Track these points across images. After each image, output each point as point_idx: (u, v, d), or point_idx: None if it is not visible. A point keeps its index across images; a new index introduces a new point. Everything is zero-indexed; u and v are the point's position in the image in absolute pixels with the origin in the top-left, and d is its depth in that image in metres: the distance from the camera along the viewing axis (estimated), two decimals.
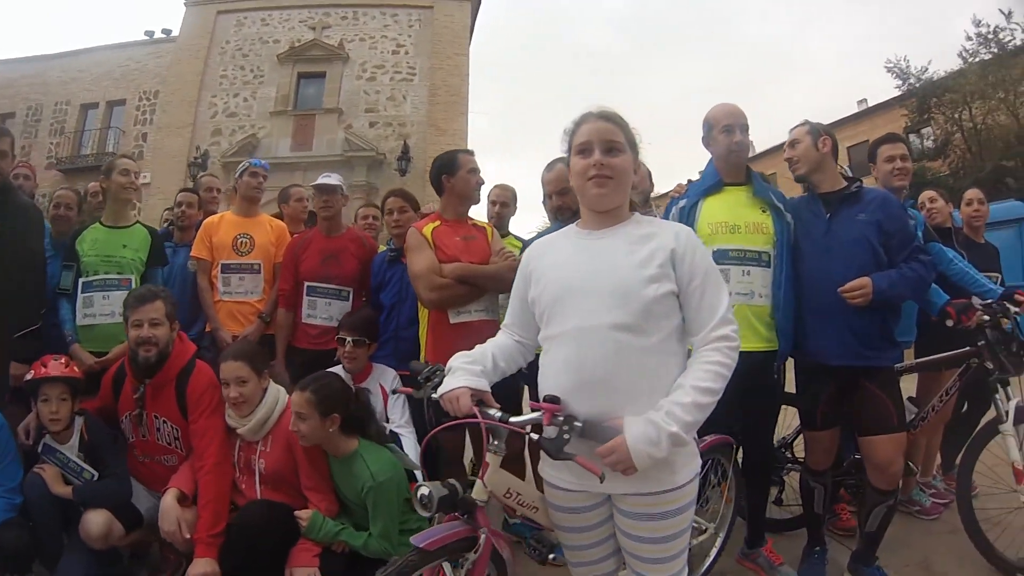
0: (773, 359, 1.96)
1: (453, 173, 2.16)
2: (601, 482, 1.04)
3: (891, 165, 2.40)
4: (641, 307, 1.09)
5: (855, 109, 23.49)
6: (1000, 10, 16.78)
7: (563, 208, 2.23)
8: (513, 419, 1.15)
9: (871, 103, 22.21)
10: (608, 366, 1.08)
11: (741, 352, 1.52)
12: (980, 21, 16.79)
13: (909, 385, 2.45)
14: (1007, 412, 1.96)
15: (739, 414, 1.94)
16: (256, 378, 1.92)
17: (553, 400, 1.11)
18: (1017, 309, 2.04)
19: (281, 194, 3.29)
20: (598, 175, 1.14)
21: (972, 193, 2.92)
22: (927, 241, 2.28)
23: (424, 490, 1.19)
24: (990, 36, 16.67)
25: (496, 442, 1.20)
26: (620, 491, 1.11)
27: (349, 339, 2.22)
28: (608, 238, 1.18)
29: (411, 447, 2.10)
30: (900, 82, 17.76)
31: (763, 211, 1.97)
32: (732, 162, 2.00)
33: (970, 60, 16.93)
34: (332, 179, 2.69)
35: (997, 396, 2.01)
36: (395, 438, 2.09)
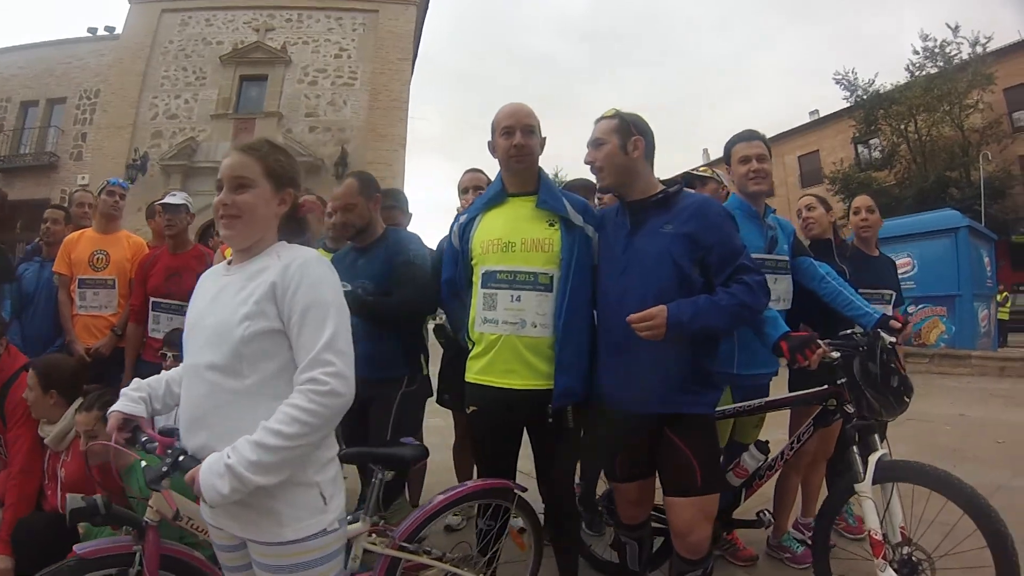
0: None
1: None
2: (174, 519, 1.13)
3: (746, 167, 2.00)
4: (231, 347, 1.04)
5: (807, 119, 24.00)
6: (947, 24, 17.31)
7: (347, 225, 2.09)
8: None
9: (823, 114, 22.72)
10: (204, 405, 1.07)
11: (517, 390, 1.60)
12: (927, 36, 17.29)
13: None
14: (864, 469, 1.61)
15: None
16: (40, 392, 1.97)
17: (168, 433, 1.17)
18: (892, 339, 1.72)
19: (147, 209, 3.32)
20: (224, 215, 1.10)
21: (860, 201, 2.59)
22: (797, 255, 2.07)
23: (73, 503, 1.29)
24: (936, 50, 17.18)
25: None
26: (240, 535, 1.08)
27: (170, 355, 2.31)
28: (234, 274, 1.14)
29: None
30: (848, 94, 18.21)
31: (550, 225, 1.66)
32: (513, 169, 1.71)
33: (916, 73, 17.43)
34: (177, 198, 2.78)
35: (854, 448, 1.65)
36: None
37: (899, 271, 10.64)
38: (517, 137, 1.67)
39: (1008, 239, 17.24)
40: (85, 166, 13.21)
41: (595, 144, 1.64)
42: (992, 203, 16.30)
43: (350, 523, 1.30)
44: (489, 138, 1.76)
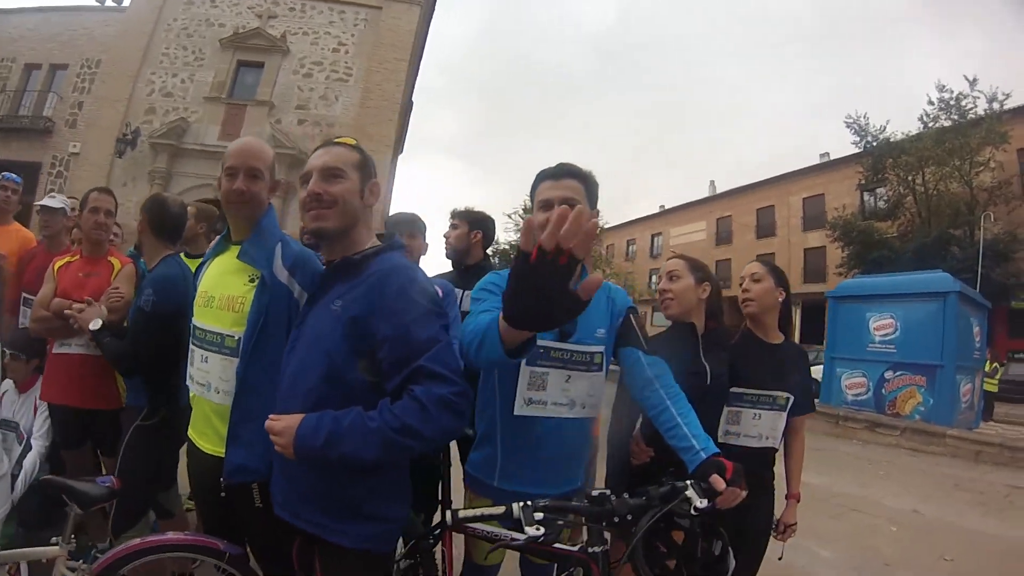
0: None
1: (82, 212, 2.25)
2: None
3: (546, 216, 1.28)
4: None
5: (817, 161, 23.65)
6: (965, 76, 16.94)
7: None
8: None
9: (833, 157, 22.38)
10: None
11: (206, 454, 1.40)
12: (944, 87, 16.93)
13: None
14: None
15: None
16: None
17: None
18: (702, 503, 1.16)
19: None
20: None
21: (748, 267, 1.94)
22: (623, 344, 1.46)
23: None
24: (952, 102, 16.81)
25: None
26: None
27: (8, 352, 2.38)
28: None
29: (32, 457, 2.24)
30: (858, 138, 17.87)
31: (250, 281, 1.44)
32: (232, 214, 1.52)
33: (930, 124, 17.06)
34: (56, 201, 2.82)
35: None
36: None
37: (880, 333, 9.69)
38: (239, 181, 1.45)
39: (1008, 304, 16.84)
40: (78, 134, 13.22)
41: (328, 175, 1.23)
42: (995, 266, 15.93)
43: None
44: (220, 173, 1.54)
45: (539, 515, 1.09)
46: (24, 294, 2.64)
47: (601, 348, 1.40)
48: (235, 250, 1.48)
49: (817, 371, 11.93)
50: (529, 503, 1.12)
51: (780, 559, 1.82)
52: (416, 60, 15.14)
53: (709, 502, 1.16)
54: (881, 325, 8.29)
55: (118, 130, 12.39)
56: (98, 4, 14.20)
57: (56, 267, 2.28)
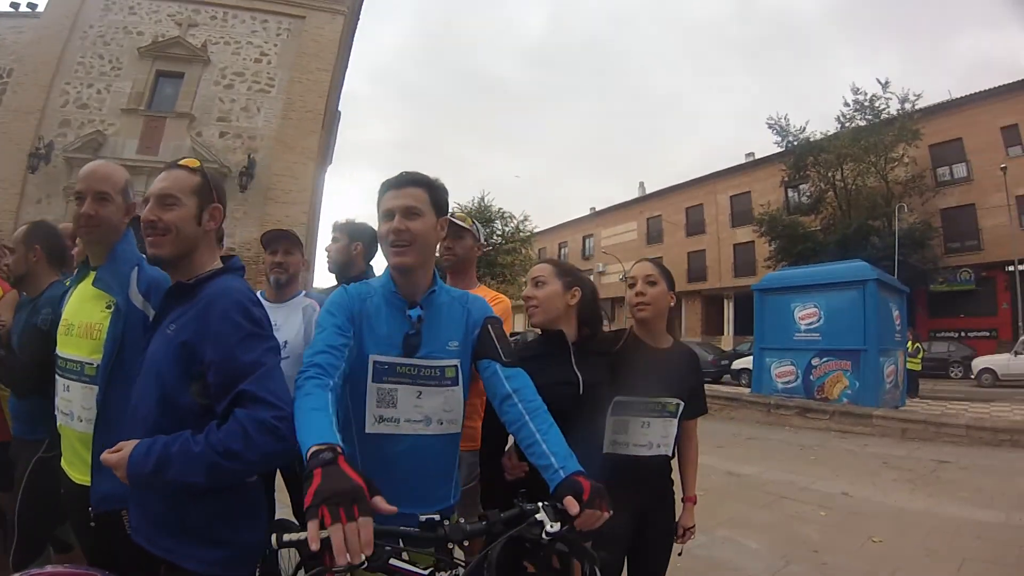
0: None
1: None
2: None
3: (386, 226, 1.31)
4: None
5: (743, 160, 24.70)
6: (877, 79, 18.04)
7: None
8: None
9: (758, 156, 23.41)
10: None
11: (76, 483, 1.40)
12: (859, 89, 17.96)
13: None
14: None
15: None
16: None
17: None
18: (550, 528, 1.06)
19: None
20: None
21: (636, 269, 1.79)
22: (480, 356, 1.35)
23: None
24: (866, 104, 17.87)
25: None
26: None
27: None
28: None
29: None
30: (780, 139, 18.83)
31: (106, 307, 1.44)
32: (85, 239, 1.52)
33: (846, 124, 18.11)
34: None
35: None
36: None
37: (805, 322, 9.58)
38: (86, 205, 1.45)
39: (926, 288, 18.14)
40: None
41: (161, 202, 1.22)
42: (912, 253, 17.06)
43: None
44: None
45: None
46: None
47: (455, 361, 1.31)
48: (91, 276, 1.49)
49: (748, 362, 12.52)
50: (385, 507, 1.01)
51: (680, 555, 1.80)
52: (341, 70, 14.98)
53: (563, 526, 1.06)
54: (806, 315, 8.61)
55: (31, 144, 11.94)
56: (11, 10, 13.63)
57: None
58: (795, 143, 18.46)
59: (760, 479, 4.96)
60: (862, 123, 18.08)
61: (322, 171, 15.50)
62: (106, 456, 1.08)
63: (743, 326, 20.34)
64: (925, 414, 7.53)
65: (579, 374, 1.57)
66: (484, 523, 1.07)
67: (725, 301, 24.87)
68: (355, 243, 2.38)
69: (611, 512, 1.10)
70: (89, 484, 1.37)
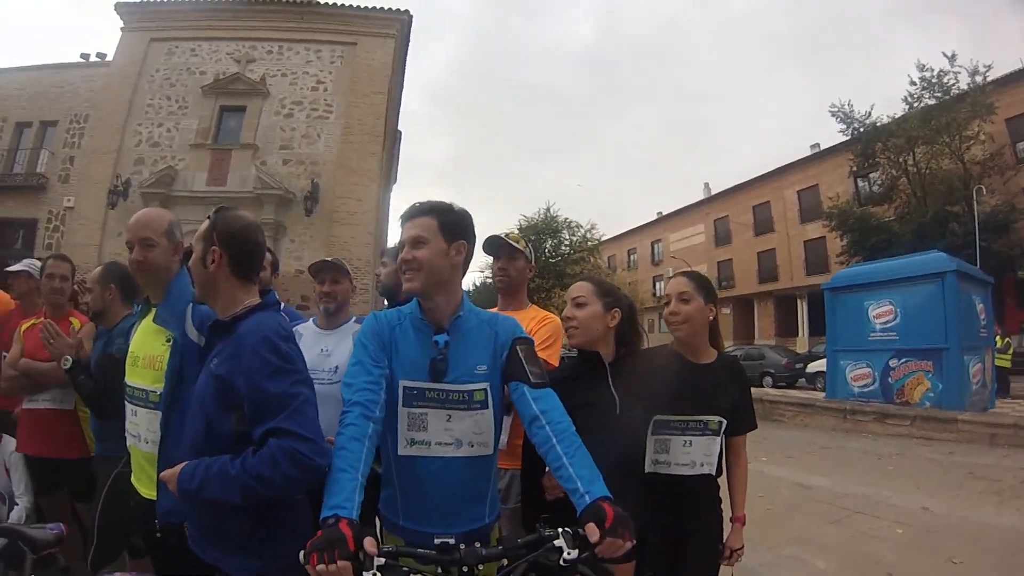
0: None
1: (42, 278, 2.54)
2: None
3: (400, 255, 1.41)
4: None
5: (808, 153, 23.58)
6: (943, 53, 16.84)
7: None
8: None
9: (824, 147, 22.30)
10: None
11: (144, 498, 1.60)
12: (924, 66, 16.83)
13: None
14: None
15: None
16: None
17: None
18: (568, 555, 1.07)
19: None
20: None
21: (671, 285, 1.75)
22: (511, 378, 1.35)
23: None
24: (934, 80, 16.71)
25: None
26: None
27: None
28: None
29: (17, 512, 2.39)
30: (845, 126, 17.79)
31: (166, 341, 1.60)
32: (141, 282, 1.72)
33: (914, 105, 16.97)
34: (20, 264, 2.97)
35: None
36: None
37: (880, 321, 9.49)
38: (135, 252, 1.66)
39: (1014, 275, 16.66)
40: (71, 188, 13.45)
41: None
42: (996, 238, 15.76)
43: None
44: None
45: (380, 560, 1.01)
46: (4, 352, 2.75)
47: (483, 385, 1.33)
48: (153, 313, 1.68)
49: (824, 364, 11.79)
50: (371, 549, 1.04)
51: None
52: (397, 91, 15.25)
53: (582, 553, 1.06)
54: (881, 313, 8.11)
55: (109, 182, 12.57)
56: (83, 60, 14.47)
57: (22, 329, 2.51)
58: (861, 130, 17.42)
59: (832, 492, 4.66)
60: (931, 102, 16.89)
61: (387, 191, 15.70)
62: (163, 474, 1.26)
63: (818, 326, 19.28)
64: (1016, 417, 6.86)
65: (616, 394, 1.56)
66: (500, 548, 1.11)
67: (798, 301, 23.85)
68: None
69: (634, 541, 1.08)
70: (155, 499, 1.53)
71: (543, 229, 22.34)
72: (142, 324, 1.75)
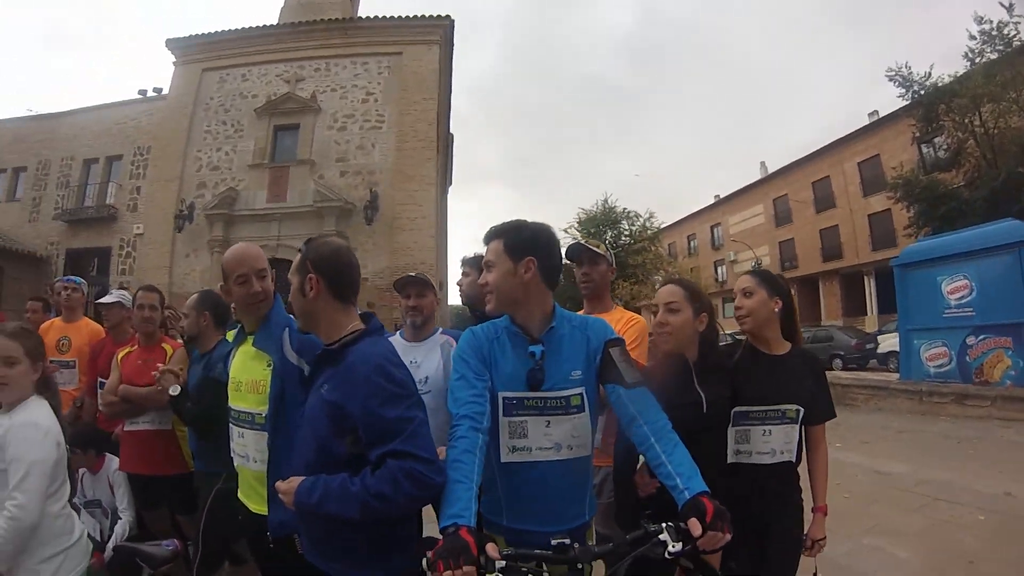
0: None
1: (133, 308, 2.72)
2: None
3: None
4: None
5: (867, 122, 22.50)
6: (1000, 3, 15.75)
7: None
8: None
9: (883, 114, 21.22)
10: None
11: (254, 513, 1.69)
12: (983, 18, 15.80)
13: None
14: None
15: None
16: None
17: None
18: (675, 547, 1.14)
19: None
20: None
21: (738, 282, 1.88)
22: (607, 380, 1.40)
23: None
24: (994, 33, 15.66)
25: None
26: None
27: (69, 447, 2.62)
28: None
29: (121, 526, 2.56)
30: (904, 90, 16.81)
31: (267, 366, 1.68)
32: (251, 313, 1.77)
33: (976, 60, 15.94)
34: (110, 296, 3.15)
35: None
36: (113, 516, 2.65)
37: (954, 296, 8.84)
38: (255, 284, 1.72)
39: None
40: (140, 216, 14.08)
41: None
42: None
43: None
44: (222, 281, 1.79)
45: (501, 563, 1.08)
46: (100, 379, 2.93)
47: (579, 390, 1.39)
48: (252, 340, 1.76)
49: (896, 343, 11.12)
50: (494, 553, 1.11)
51: (815, 574, 1.74)
52: (446, 95, 15.37)
53: (685, 546, 1.14)
54: (955, 288, 7.72)
55: (175, 207, 13.07)
56: (141, 96, 15.14)
57: (119, 357, 2.68)
58: (921, 92, 16.43)
59: (911, 478, 4.53)
60: (993, 56, 15.81)
61: (443, 194, 15.78)
62: (279, 484, 1.31)
63: (887, 304, 18.35)
64: None
65: (702, 393, 1.63)
66: (611, 544, 1.20)
67: (865, 278, 22.83)
68: None
69: (732, 534, 1.14)
70: (264, 514, 1.62)
71: (602, 221, 22.02)
72: (240, 350, 1.83)
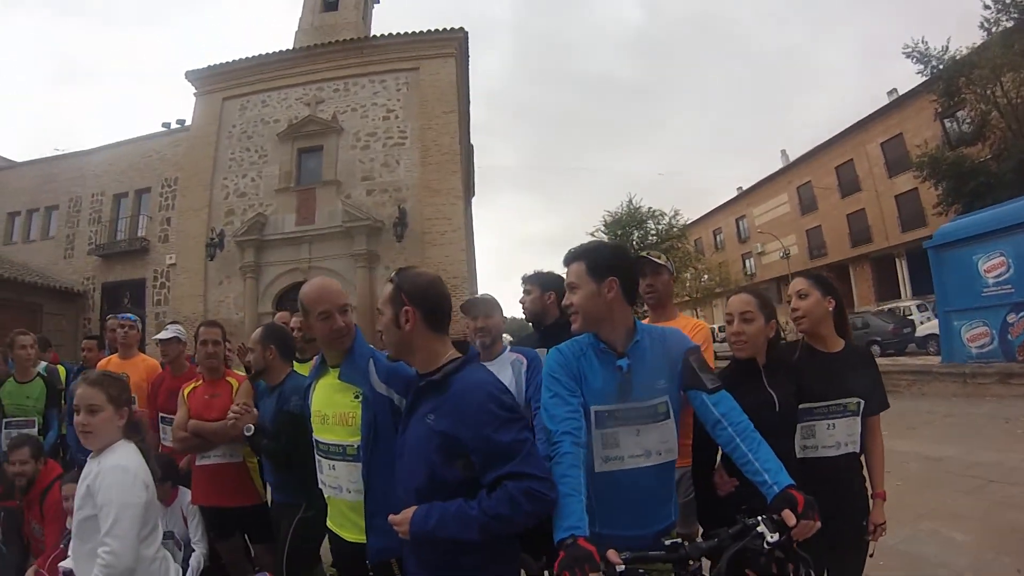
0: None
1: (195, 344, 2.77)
2: None
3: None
4: None
5: (886, 101, 22.12)
6: None
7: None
8: None
9: (903, 91, 20.86)
10: None
11: (348, 542, 1.74)
12: None
13: None
14: None
15: None
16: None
17: None
18: (773, 537, 1.22)
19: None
20: None
21: (792, 285, 1.95)
22: (689, 387, 1.49)
23: None
24: (1008, 0, 15.33)
25: None
26: None
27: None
28: None
29: (196, 557, 2.63)
30: (922, 66, 16.56)
31: (355, 397, 1.71)
32: (335, 348, 1.78)
33: (993, 30, 15.64)
34: (166, 332, 3.22)
35: None
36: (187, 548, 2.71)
37: (992, 275, 9.21)
38: (338, 320, 1.73)
39: None
40: (171, 247, 14.34)
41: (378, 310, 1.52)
42: None
43: None
44: (302, 316, 1.81)
45: (621, 567, 1.16)
46: (161, 414, 3.05)
47: (664, 398, 1.47)
48: (334, 372, 1.78)
49: (935, 326, 10.88)
50: (615, 559, 1.19)
51: (871, 555, 1.81)
52: (464, 106, 15.42)
53: (781, 535, 1.22)
54: (992, 265, 7.63)
55: (205, 236, 13.28)
56: (165, 129, 15.46)
57: (185, 393, 2.75)
58: (940, 66, 16.18)
59: (963, 461, 4.52)
60: (1008, 24, 15.50)
61: (468, 206, 15.78)
62: (392, 518, 1.35)
63: (920, 285, 18.01)
64: None
65: (773, 393, 1.69)
66: (716, 540, 1.27)
67: (896, 261, 22.38)
68: (548, 292, 2.52)
69: (820, 522, 1.24)
70: (358, 542, 1.69)
71: (627, 222, 21.98)
72: (322, 383, 1.84)
